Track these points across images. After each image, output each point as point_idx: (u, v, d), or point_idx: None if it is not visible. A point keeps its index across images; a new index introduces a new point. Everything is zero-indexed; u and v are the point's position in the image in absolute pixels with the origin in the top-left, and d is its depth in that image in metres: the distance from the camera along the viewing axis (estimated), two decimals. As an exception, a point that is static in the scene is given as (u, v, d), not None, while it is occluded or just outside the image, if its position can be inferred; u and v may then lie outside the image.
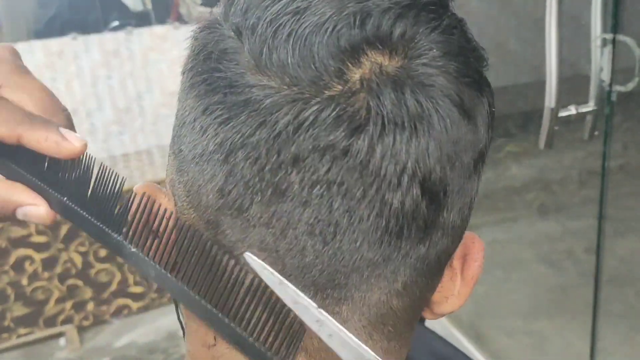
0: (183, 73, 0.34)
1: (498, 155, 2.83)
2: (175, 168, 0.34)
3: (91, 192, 0.34)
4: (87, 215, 0.34)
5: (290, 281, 0.31)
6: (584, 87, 1.13)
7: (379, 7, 0.30)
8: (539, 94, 1.09)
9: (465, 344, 1.81)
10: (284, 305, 0.31)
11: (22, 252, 2.11)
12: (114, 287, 2.25)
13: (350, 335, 0.31)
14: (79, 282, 2.21)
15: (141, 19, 2.58)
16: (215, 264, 0.32)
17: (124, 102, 2.53)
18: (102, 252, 2.20)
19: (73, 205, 0.34)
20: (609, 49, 1.11)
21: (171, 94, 2.54)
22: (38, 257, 2.13)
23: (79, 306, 2.23)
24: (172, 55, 2.53)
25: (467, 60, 0.32)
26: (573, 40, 1.20)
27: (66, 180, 0.34)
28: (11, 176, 0.35)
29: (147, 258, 0.33)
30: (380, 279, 0.32)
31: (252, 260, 0.30)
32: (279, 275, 0.30)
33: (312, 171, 0.29)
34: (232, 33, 0.32)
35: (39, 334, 2.19)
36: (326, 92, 0.29)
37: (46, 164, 0.34)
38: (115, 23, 2.52)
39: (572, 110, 1.10)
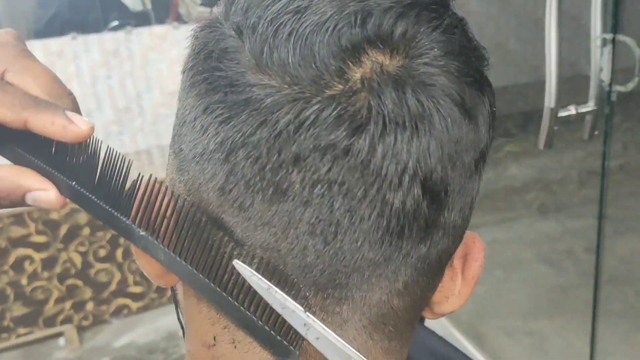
0: (183, 72, 0.34)
1: (498, 155, 2.84)
2: (176, 167, 0.34)
3: (99, 175, 0.34)
4: (95, 199, 0.34)
5: (291, 281, 0.31)
6: (584, 87, 1.13)
7: (380, 6, 0.30)
8: (538, 94, 1.09)
9: (465, 344, 1.81)
10: None
11: (21, 251, 2.11)
12: (113, 287, 2.25)
13: (337, 337, 0.31)
14: (79, 282, 2.20)
15: (141, 19, 2.58)
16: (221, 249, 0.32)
17: (123, 102, 2.53)
18: (102, 252, 2.20)
19: (82, 190, 0.34)
20: (608, 49, 1.11)
21: (171, 94, 2.54)
22: (38, 256, 2.13)
23: (79, 306, 2.23)
24: (172, 55, 2.53)
25: (469, 59, 0.31)
26: (573, 40, 1.20)
27: (74, 164, 0.34)
28: (19, 161, 0.34)
29: (156, 241, 0.33)
30: (381, 278, 0.32)
31: (241, 267, 0.31)
32: (267, 282, 0.31)
33: (313, 171, 0.29)
34: (233, 32, 0.32)
35: (39, 333, 2.19)
36: (327, 91, 0.29)
37: (53, 148, 0.34)
38: (115, 23, 2.52)
39: (571, 110, 1.10)
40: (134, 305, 2.29)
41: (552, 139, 1.08)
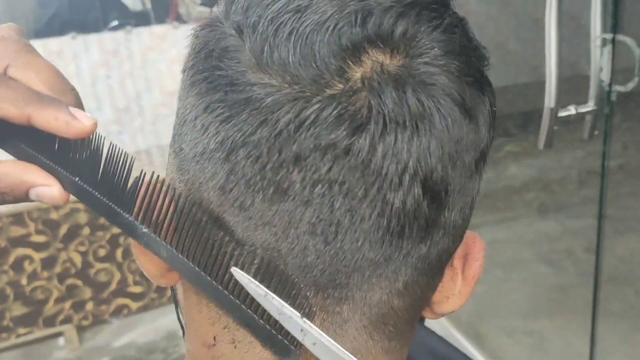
0: (184, 71, 0.34)
1: (498, 155, 2.84)
2: (176, 167, 0.34)
3: (102, 171, 0.34)
4: (99, 195, 0.34)
5: (291, 281, 0.31)
6: (584, 87, 1.13)
7: (380, 6, 0.30)
8: (538, 94, 1.09)
9: (464, 344, 1.81)
10: None
11: (21, 251, 2.11)
12: (113, 286, 2.25)
13: (334, 343, 0.31)
14: (79, 282, 2.20)
15: (140, 19, 2.58)
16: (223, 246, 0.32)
17: (123, 101, 2.53)
18: (102, 252, 2.20)
19: (85, 185, 0.34)
20: (608, 49, 1.11)
21: (170, 94, 2.54)
22: (37, 256, 2.13)
23: (78, 306, 2.23)
24: (172, 55, 2.53)
25: (469, 59, 0.31)
26: (573, 40, 1.20)
27: (77, 160, 0.34)
28: (22, 157, 0.34)
29: (158, 238, 0.33)
30: (382, 278, 0.32)
31: (239, 274, 0.31)
32: (264, 288, 0.31)
33: (314, 170, 0.29)
34: (233, 31, 0.32)
35: (38, 333, 2.19)
36: (327, 90, 0.29)
37: (56, 144, 0.34)
38: (115, 23, 2.52)
39: (571, 110, 1.10)
40: (134, 305, 2.29)
41: (552, 138, 1.08)
